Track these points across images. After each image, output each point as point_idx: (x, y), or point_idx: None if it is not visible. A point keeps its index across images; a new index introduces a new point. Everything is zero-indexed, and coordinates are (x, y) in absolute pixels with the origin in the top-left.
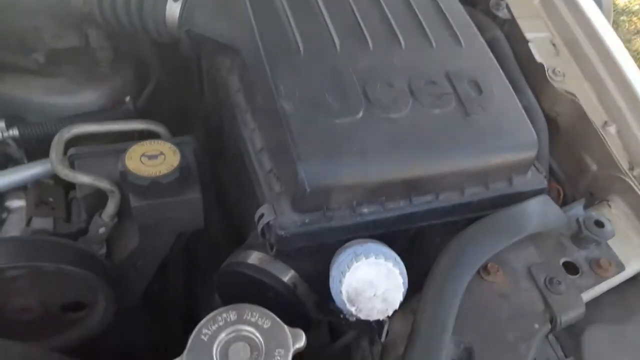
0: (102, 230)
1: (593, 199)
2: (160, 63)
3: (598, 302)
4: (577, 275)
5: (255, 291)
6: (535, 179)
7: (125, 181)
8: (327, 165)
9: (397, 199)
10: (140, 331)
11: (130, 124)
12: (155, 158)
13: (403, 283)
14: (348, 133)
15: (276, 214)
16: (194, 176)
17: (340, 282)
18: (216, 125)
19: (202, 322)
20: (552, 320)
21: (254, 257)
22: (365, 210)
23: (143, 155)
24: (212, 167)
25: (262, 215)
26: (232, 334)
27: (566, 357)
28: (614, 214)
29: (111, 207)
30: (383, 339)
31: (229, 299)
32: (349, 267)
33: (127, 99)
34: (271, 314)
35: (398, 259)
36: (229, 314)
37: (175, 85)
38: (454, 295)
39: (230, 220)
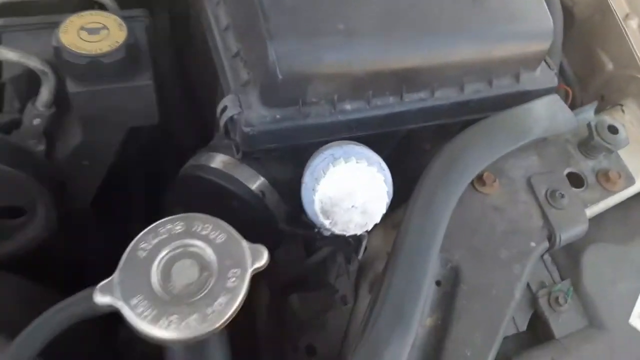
0: (36, 121)
1: (604, 103)
2: None
3: (600, 219)
4: (582, 188)
5: (219, 200)
6: (545, 76)
7: (60, 60)
8: (305, 46)
9: (385, 95)
10: (98, 242)
11: None
12: (96, 32)
13: (387, 192)
14: (331, 7)
15: (242, 108)
16: (145, 59)
17: (314, 190)
18: (182, 7)
19: (140, 234)
20: (551, 238)
21: (218, 161)
22: (348, 106)
23: (82, 28)
24: (179, 60)
25: (224, 108)
26: (178, 250)
27: (562, 279)
28: (627, 120)
29: (45, 92)
30: (360, 255)
31: (189, 210)
32: (324, 172)
33: None
34: (227, 225)
35: (383, 164)
36: (174, 224)
37: None
38: (445, 206)
39: (200, 122)
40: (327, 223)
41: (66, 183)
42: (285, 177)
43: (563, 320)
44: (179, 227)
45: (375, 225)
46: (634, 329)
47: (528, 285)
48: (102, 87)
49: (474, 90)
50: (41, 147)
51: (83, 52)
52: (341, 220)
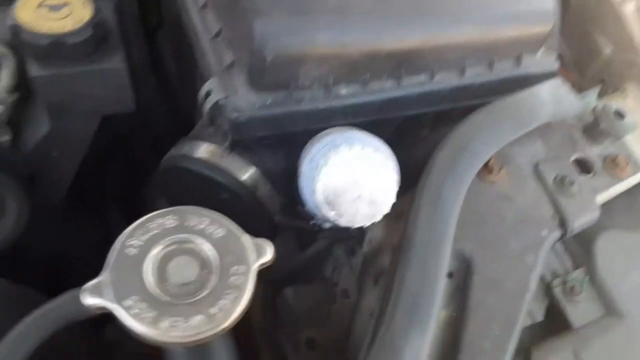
0: None
1: (605, 87)
2: None
3: (607, 208)
4: (590, 175)
5: (206, 193)
6: (546, 59)
7: (18, 41)
8: (296, 23)
9: (383, 78)
10: (73, 238)
11: None
12: (58, 9)
13: (397, 181)
14: None
15: (227, 92)
16: (115, 40)
17: (315, 180)
18: None
19: (128, 230)
20: (562, 226)
21: (203, 150)
22: (344, 91)
23: (41, 5)
24: (151, 46)
25: (208, 93)
26: (172, 246)
27: (575, 268)
28: (630, 105)
29: (5, 76)
30: (365, 248)
31: (173, 204)
32: (326, 161)
33: None
34: (225, 219)
35: (389, 150)
36: (165, 219)
37: None
38: (455, 197)
39: (177, 113)
40: (332, 215)
41: (35, 177)
42: (278, 167)
43: (580, 309)
44: (171, 222)
45: None
46: None
47: (542, 275)
48: (67, 70)
49: (474, 74)
50: (6, 138)
51: (44, 31)
52: (347, 211)
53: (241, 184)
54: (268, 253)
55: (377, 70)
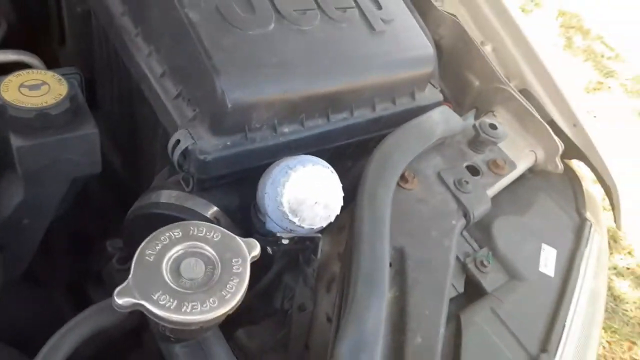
0: None
1: (479, 112)
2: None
3: (496, 200)
4: (479, 176)
5: None
6: (432, 93)
7: (3, 117)
8: (248, 78)
9: (315, 117)
10: (23, 309)
11: None
12: (37, 88)
13: (341, 187)
14: (263, 45)
15: (194, 139)
16: (85, 110)
17: (280, 194)
18: (87, 66)
19: (143, 244)
20: (466, 216)
21: (167, 196)
22: (286, 129)
23: (22, 85)
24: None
25: (177, 142)
26: (180, 252)
27: (481, 248)
28: (499, 122)
29: None
30: (319, 255)
31: None
32: (287, 178)
33: None
34: (218, 227)
35: (330, 167)
36: (172, 232)
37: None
38: (387, 199)
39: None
40: (296, 221)
41: (3, 248)
42: (233, 205)
43: (490, 278)
44: (177, 233)
45: (322, 232)
46: (544, 274)
47: (457, 256)
48: (49, 138)
49: (382, 108)
50: None
51: (29, 105)
52: (308, 216)
53: (206, 219)
54: (257, 248)
55: (311, 111)
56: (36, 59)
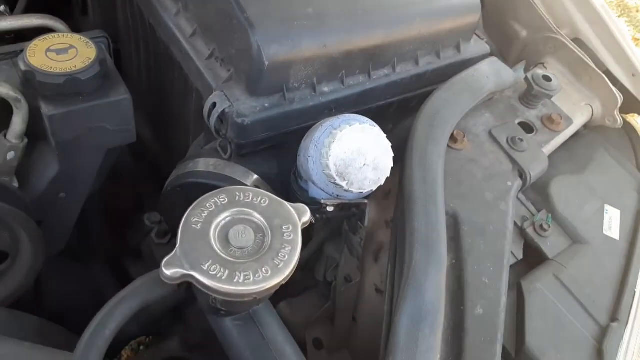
0: (10, 155)
1: (527, 65)
2: None
3: (552, 159)
4: (534, 133)
5: None
6: (478, 45)
7: (31, 84)
8: (284, 31)
9: (356, 74)
10: (65, 286)
11: (21, 20)
12: (64, 52)
13: (391, 147)
14: None
15: (230, 102)
16: (116, 75)
17: (326, 156)
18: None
19: (189, 211)
20: (522, 176)
21: (205, 164)
22: (326, 88)
23: (48, 50)
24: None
25: (213, 106)
26: (228, 219)
27: (539, 211)
28: (553, 74)
29: (18, 122)
30: (366, 223)
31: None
32: (333, 139)
33: (2, 7)
34: (265, 192)
35: (377, 126)
36: (218, 198)
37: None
38: (438, 158)
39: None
40: (344, 184)
41: (41, 222)
42: (272, 172)
43: (551, 243)
44: (223, 199)
45: (368, 198)
46: (609, 238)
47: (514, 221)
48: (80, 106)
49: (426, 62)
50: (16, 185)
51: (58, 70)
52: (356, 179)
53: None
54: (307, 213)
55: (351, 67)
56: (61, 23)
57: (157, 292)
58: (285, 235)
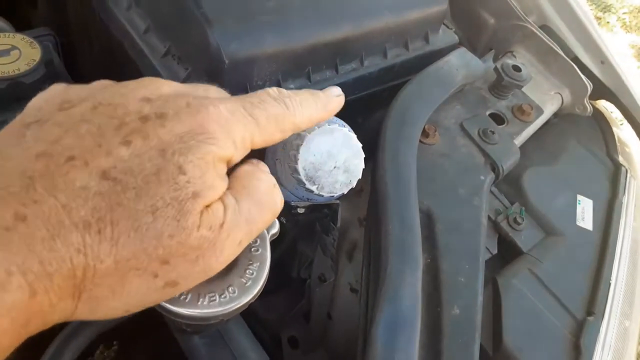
0: None
1: (496, 54)
2: None
3: (523, 150)
4: (505, 124)
5: None
6: (447, 35)
7: None
8: (244, 27)
9: (323, 69)
10: None
11: None
12: (6, 54)
13: (362, 149)
14: None
15: None
16: (64, 76)
17: (294, 160)
18: (63, 28)
19: None
20: (494, 169)
21: None
22: (292, 85)
23: None
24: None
25: None
26: None
27: (512, 204)
28: (522, 63)
29: None
30: (338, 223)
31: None
32: (301, 141)
33: None
34: None
35: (347, 126)
36: None
37: None
38: (411, 156)
39: None
40: (314, 189)
41: None
42: None
43: (525, 236)
44: None
45: (340, 198)
46: (583, 229)
47: (488, 215)
48: None
49: (395, 55)
50: None
51: None
52: (327, 182)
53: None
54: (276, 225)
55: (317, 62)
56: (3, 21)
57: (114, 321)
58: (252, 249)
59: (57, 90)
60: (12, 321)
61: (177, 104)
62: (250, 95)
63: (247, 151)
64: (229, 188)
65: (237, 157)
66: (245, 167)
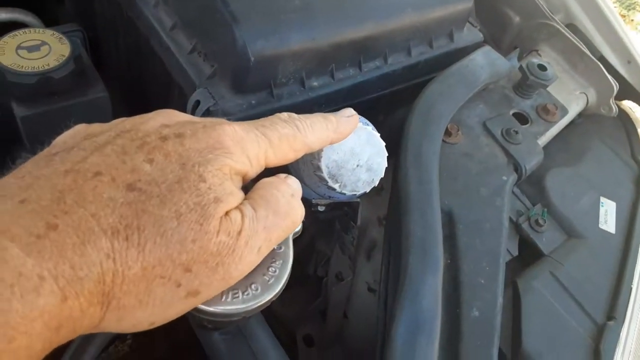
0: None
1: (520, 53)
2: None
3: (546, 150)
4: (529, 124)
5: None
6: (472, 33)
7: (2, 84)
8: (270, 25)
9: (346, 67)
10: None
11: None
12: (36, 49)
13: (385, 147)
14: None
15: (215, 99)
16: (92, 71)
17: (317, 158)
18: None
19: None
20: (517, 170)
21: None
22: (315, 83)
23: (19, 47)
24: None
25: (197, 104)
26: None
27: (534, 205)
28: (547, 62)
29: None
30: (358, 222)
31: None
32: None
33: None
34: None
35: (370, 124)
36: None
37: None
38: (433, 156)
39: None
40: (337, 187)
41: None
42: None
43: (546, 238)
44: None
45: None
46: (605, 232)
47: (509, 216)
48: (55, 106)
49: (419, 53)
50: None
51: (29, 69)
52: (349, 180)
53: None
54: (299, 226)
55: (341, 60)
56: (32, 17)
57: None
58: (275, 247)
59: (80, 127)
60: (44, 325)
61: (194, 126)
62: (262, 119)
63: (262, 168)
64: (247, 199)
65: (252, 174)
66: (265, 179)
